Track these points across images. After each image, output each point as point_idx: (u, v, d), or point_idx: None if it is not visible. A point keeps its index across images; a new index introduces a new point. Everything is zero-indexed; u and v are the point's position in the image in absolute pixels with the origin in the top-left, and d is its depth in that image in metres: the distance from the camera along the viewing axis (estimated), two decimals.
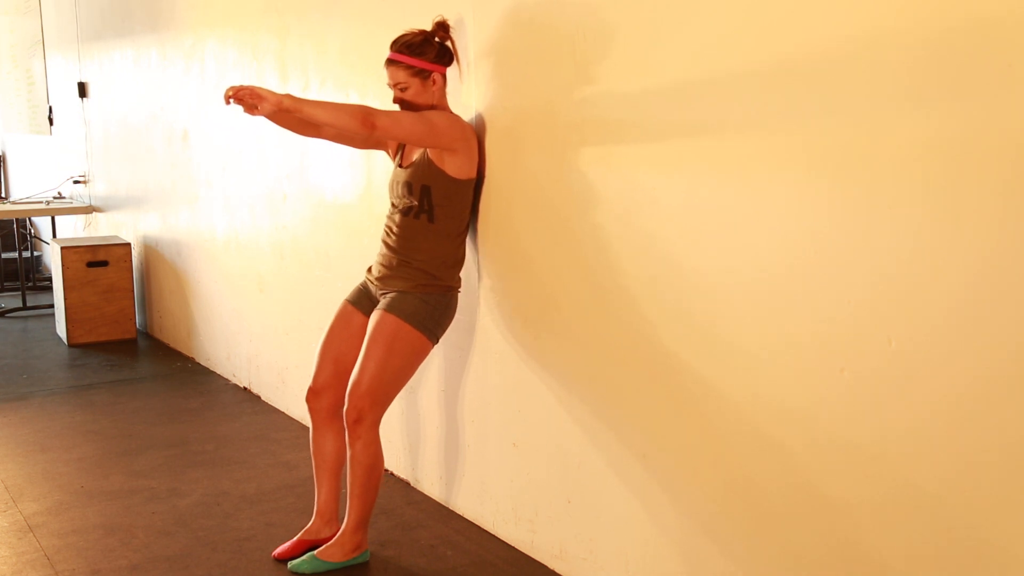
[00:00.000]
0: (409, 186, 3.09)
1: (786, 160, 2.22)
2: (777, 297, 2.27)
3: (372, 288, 3.19)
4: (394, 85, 3.08)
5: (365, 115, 2.89)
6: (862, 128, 2.05)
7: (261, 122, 4.57)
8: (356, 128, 2.90)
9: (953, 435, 1.95)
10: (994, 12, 1.81)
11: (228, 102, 2.90)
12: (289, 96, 2.89)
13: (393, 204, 3.17)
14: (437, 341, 3.14)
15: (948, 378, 1.95)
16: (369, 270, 3.24)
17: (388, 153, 3.31)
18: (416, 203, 3.07)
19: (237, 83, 2.91)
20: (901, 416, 2.04)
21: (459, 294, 3.19)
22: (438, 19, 3.12)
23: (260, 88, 2.88)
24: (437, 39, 3.11)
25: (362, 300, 3.21)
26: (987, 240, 1.86)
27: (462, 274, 3.20)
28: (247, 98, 2.87)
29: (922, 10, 1.92)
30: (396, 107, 3.09)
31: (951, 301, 1.93)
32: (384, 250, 3.17)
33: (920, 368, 1.99)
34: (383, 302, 3.10)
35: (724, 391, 2.43)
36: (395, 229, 3.13)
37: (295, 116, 3.06)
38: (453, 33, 3.14)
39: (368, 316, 3.16)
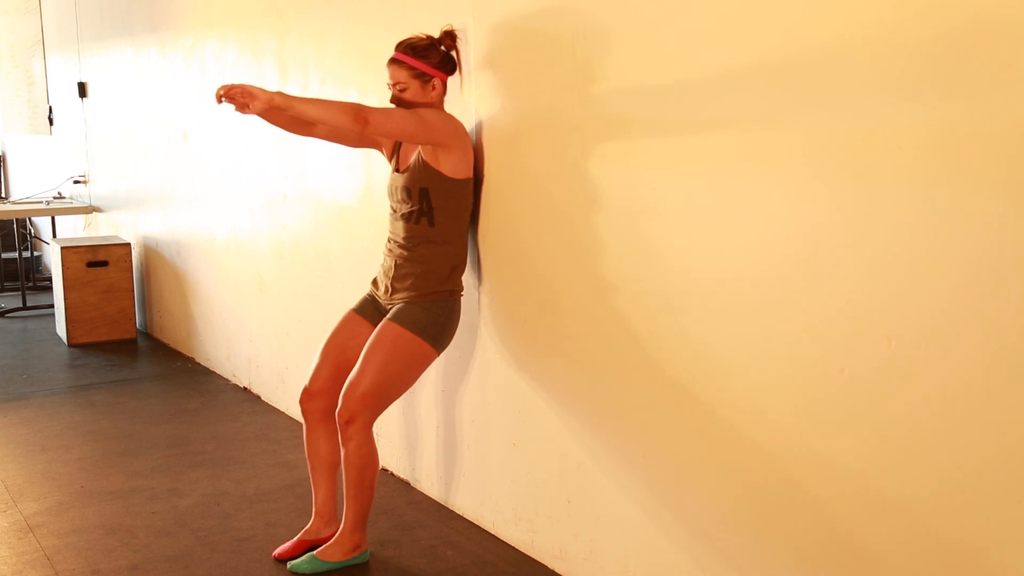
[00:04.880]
0: (408, 190, 3.09)
1: (785, 159, 2.23)
2: (777, 297, 2.27)
3: (379, 301, 3.20)
4: (393, 85, 3.08)
5: (357, 111, 2.89)
6: (861, 125, 2.05)
7: (261, 123, 4.57)
8: (348, 124, 2.89)
9: (953, 435, 1.95)
10: (992, 10, 1.81)
11: (220, 101, 2.90)
12: (280, 94, 2.88)
13: (393, 209, 3.17)
14: (442, 349, 3.13)
15: (948, 378, 1.95)
16: (374, 283, 3.24)
17: (384, 153, 3.31)
18: (416, 207, 3.08)
19: (232, 82, 2.90)
20: (901, 416, 2.04)
21: (462, 297, 3.19)
22: (447, 27, 3.13)
23: (251, 86, 2.87)
24: (443, 47, 3.11)
25: (367, 310, 3.22)
26: (986, 238, 1.86)
27: (463, 275, 3.20)
28: (238, 97, 2.86)
29: (920, 7, 1.92)
30: (390, 106, 3.09)
31: (951, 300, 1.93)
32: (386, 261, 3.18)
33: (920, 368, 1.99)
34: (390, 313, 3.11)
35: (725, 391, 2.43)
36: (397, 237, 3.14)
37: (287, 114, 3.06)
38: (459, 43, 3.14)
39: (373, 326, 3.16)
